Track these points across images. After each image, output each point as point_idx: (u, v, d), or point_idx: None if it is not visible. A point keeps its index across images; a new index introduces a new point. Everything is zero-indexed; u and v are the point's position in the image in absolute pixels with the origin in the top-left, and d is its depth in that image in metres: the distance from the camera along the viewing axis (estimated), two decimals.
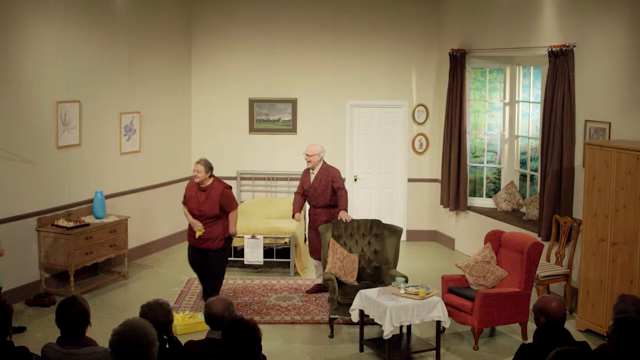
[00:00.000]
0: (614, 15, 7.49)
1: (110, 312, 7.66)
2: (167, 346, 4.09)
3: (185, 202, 7.74)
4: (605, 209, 6.91)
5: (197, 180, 7.53)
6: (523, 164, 10.18)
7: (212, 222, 7.54)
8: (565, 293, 7.92)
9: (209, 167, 7.55)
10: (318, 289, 8.46)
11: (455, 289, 7.18)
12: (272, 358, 5.09)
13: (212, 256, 7.63)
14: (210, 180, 7.57)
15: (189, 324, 7.19)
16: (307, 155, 8.38)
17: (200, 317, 7.15)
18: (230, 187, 7.74)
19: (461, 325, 7.25)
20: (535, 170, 9.60)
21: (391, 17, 10.98)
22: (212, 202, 7.51)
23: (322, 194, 8.27)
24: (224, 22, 11.10)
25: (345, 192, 8.26)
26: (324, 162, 8.40)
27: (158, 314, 4.07)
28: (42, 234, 8.09)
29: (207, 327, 4.33)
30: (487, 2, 9.84)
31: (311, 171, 8.40)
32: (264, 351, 3.85)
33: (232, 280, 9.00)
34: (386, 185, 11.25)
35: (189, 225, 7.66)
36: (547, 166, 8.41)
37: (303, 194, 8.49)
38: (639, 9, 7.14)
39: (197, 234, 7.55)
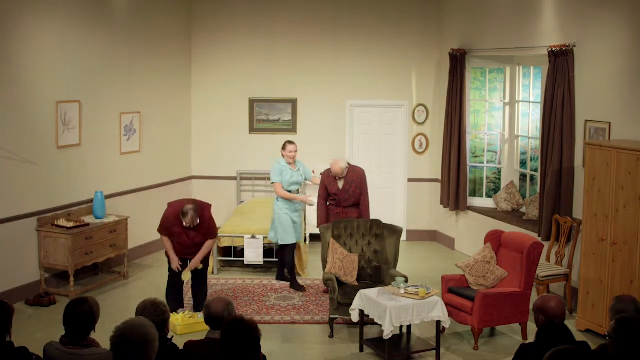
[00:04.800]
0: (614, 15, 7.49)
1: (110, 312, 7.65)
2: (167, 345, 4.07)
3: (166, 235, 7.48)
4: (605, 209, 6.91)
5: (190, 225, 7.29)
6: (523, 164, 10.18)
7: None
8: (565, 293, 7.92)
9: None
10: None
11: (455, 289, 7.18)
12: (272, 358, 5.11)
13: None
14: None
15: (189, 324, 7.20)
16: (339, 176, 8.28)
17: (200, 317, 7.15)
18: (210, 205, 7.61)
19: (461, 325, 7.25)
20: (535, 170, 9.60)
21: (391, 17, 10.98)
22: (201, 234, 7.47)
23: (353, 195, 8.32)
24: (224, 22, 11.10)
25: (368, 202, 8.39)
26: (349, 164, 8.44)
27: (153, 314, 4.06)
28: (42, 234, 8.09)
29: (207, 327, 4.33)
30: (487, 2, 9.84)
31: (337, 178, 8.35)
32: (264, 351, 3.85)
33: (232, 280, 9.01)
34: (386, 185, 11.25)
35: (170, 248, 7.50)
36: (547, 166, 8.41)
37: (326, 198, 8.42)
38: (639, 9, 7.14)
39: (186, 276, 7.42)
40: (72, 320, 3.87)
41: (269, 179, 11.15)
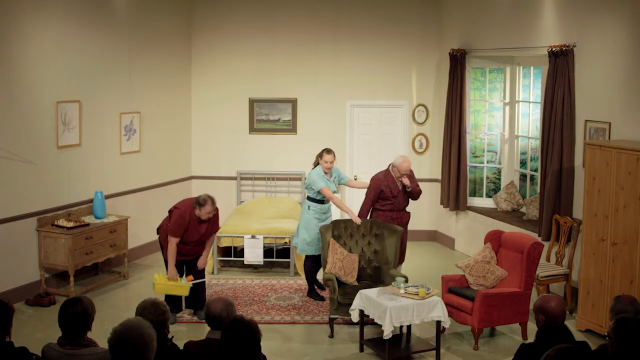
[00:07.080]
0: (614, 15, 7.49)
1: (110, 312, 7.66)
2: (167, 346, 4.07)
3: (180, 236, 7.22)
4: (605, 209, 6.91)
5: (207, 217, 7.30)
6: (523, 164, 10.18)
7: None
8: (565, 293, 7.92)
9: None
10: None
11: (455, 289, 7.18)
12: (272, 358, 5.11)
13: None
14: None
15: (168, 285, 7.11)
16: (403, 174, 7.88)
17: (183, 281, 7.10)
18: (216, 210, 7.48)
19: (461, 325, 7.25)
20: (535, 170, 9.61)
21: (391, 17, 10.98)
22: (209, 227, 7.46)
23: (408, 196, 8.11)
24: (224, 22, 11.11)
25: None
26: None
27: (153, 314, 4.05)
28: (42, 234, 8.09)
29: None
30: (487, 2, 9.84)
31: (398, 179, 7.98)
32: (264, 351, 3.85)
33: (232, 280, 9.01)
34: None
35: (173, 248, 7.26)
36: (547, 166, 8.41)
37: (374, 203, 8.03)
38: (639, 8, 7.14)
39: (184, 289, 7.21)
40: (67, 321, 3.86)
41: (269, 178, 11.20)
